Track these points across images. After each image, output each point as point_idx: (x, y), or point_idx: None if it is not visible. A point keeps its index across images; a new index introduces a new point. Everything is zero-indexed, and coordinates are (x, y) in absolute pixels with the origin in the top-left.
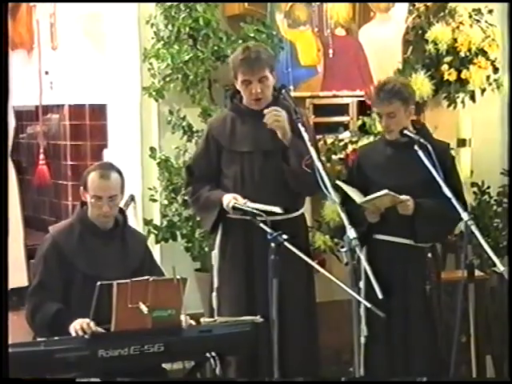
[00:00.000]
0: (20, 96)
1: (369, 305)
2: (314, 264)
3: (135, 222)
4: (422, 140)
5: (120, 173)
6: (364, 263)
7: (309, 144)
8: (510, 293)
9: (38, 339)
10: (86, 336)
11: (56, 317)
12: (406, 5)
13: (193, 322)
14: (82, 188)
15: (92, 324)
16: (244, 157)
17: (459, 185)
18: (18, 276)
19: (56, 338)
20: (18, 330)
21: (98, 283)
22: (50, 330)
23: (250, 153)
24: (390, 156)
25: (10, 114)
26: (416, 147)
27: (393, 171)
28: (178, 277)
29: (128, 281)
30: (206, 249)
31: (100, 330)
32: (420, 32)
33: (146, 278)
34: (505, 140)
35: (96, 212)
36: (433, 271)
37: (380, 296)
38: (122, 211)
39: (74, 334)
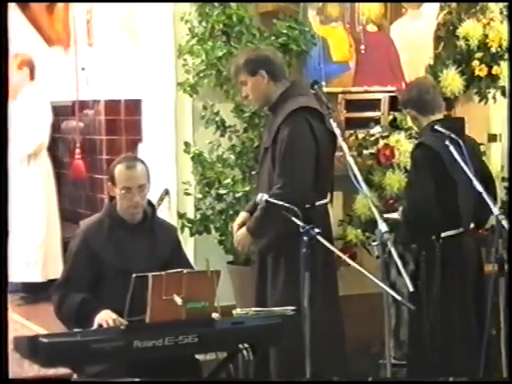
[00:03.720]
0: (57, 92)
1: (399, 297)
2: (345, 257)
3: (169, 215)
4: (453, 135)
5: (144, 163)
6: (395, 257)
7: (340, 139)
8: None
9: (75, 330)
10: (122, 327)
11: (81, 307)
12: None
13: (218, 315)
14: (109, 183)
15: (115, 317)
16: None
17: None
18: (54, 267)
19: (92, 328)
20: (55, 320)
21: (134, 275)
22: (76, 320)
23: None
24: None
25: (48, 110)
26: (447, 142)
27: None
28: (212, 269)
29: (163, 273)
30: None
31: (123, 321)
32: (451, 28)
33: (181, 270)
34: None
35: (126, 204)
36: None
37: (411, 289)
38: (150, 203)
39: (95, 326)
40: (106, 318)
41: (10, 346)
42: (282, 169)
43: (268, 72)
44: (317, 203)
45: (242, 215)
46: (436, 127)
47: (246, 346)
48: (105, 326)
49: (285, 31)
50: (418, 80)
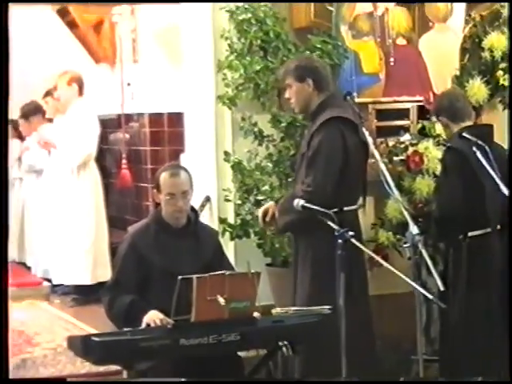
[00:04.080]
0: (104, 106)
1: (431, 296)
2: (378, 258)
3: (211, 220)
4: (479, 142)
5: (187, 170)
6: (426, 257)
7: (373, 147)
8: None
9: (125, 329)
10: (169, 326)
11: (130, 307)
12: (462, 15)
13: (259, 314)
14: (154, 190)
15: (162, 316)
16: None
17: None
18: (103, 271)
19: (141, 327)
20: (105, 320)
21: (179, 277)
22: (126, 320)
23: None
24: None
25: (96, 123)
26: (474, 148)
27: None
28: (253, 271)
29: (207, 275)
30: (277, 245)
31: (170, 321)
32: (476, 40)
33: (223, 272)
34: None
35: (171, 209)
36: None
37: (442, 288)
38: (193, 209)
39: (144, 326)
40: (153, 317)
41: (64, 345)
42: (309, 172)
43: (314, 81)
44: (345, 208)
45: (269, 203)
46: (463, 134)
47: (286, 343)
48: (152, 325)
49: (319, 46)
50: (448, 90)
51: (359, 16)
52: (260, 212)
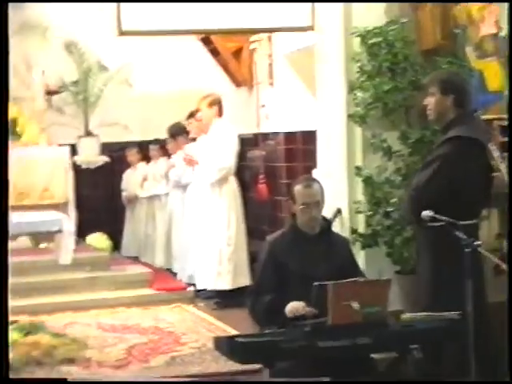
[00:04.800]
0: (241, 126)
1: None
2: (504, 266)
3: (342, 231)
4: None
5: (319, 182)
6: None
7: (500, 160)
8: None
9: (266, 331)
10: (307, 328)
11: (270, 305)
12: None
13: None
14: (290, 201)
15: (304, 304)
16: None
17: None
18: (242, 277)
19: (281, 330)
20: (244, 322)
21: (315, 284)
22: (266, 317)
23: None
24: None
25: (235, 141)
26: None
27: None
28: (384, 278)
29: (341, 281)
30: (406, 254)
31: (310, 309)
32: None
33: (356, 279)
34: None
35: (305, 217)
36: None
37: None
38: (325, 219)
39: (289, 315)
40: (296, 306)
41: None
42: (417, 175)
43: (456, 98)
44: (461, 222)
45: None
46: None
47: (416, 346)
48: (296, 313)
49: (445, 66)
50: None
51: (484, 37)
52: None
